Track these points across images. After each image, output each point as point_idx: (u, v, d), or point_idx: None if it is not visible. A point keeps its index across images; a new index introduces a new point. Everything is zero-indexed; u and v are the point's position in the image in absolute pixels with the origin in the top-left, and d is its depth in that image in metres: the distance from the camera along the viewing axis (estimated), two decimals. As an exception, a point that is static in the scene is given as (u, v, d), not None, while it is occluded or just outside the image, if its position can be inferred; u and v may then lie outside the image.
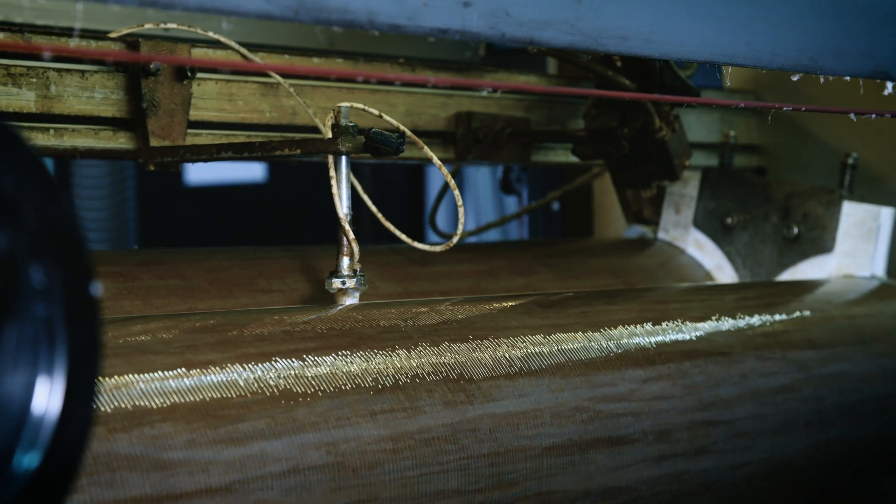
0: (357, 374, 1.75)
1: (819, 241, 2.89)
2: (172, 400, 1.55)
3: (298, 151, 2.11)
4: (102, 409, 1.47)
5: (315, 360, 1.73)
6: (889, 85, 2.10)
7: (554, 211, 3.76)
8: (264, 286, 2.27)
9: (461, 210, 2.17)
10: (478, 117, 2.74)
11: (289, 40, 3.15)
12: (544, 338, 2.01)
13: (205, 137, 2.38)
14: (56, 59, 2.19)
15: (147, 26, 2.34)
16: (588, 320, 2.12)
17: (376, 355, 1.80)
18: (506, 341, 1.96)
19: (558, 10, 1.70)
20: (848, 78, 2.07)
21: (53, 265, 1.10)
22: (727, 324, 2.32)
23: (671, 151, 2.78)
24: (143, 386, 1.54)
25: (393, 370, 1.79)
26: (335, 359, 1.75)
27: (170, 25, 2.37)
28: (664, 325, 2.21)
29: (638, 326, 2.16)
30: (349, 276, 2.08)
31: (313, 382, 1.70)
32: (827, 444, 2.42)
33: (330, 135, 2.06)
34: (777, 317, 2.44)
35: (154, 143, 2.27)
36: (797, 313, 2.50)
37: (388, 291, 2.42)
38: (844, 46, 2.03)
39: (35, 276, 1.10)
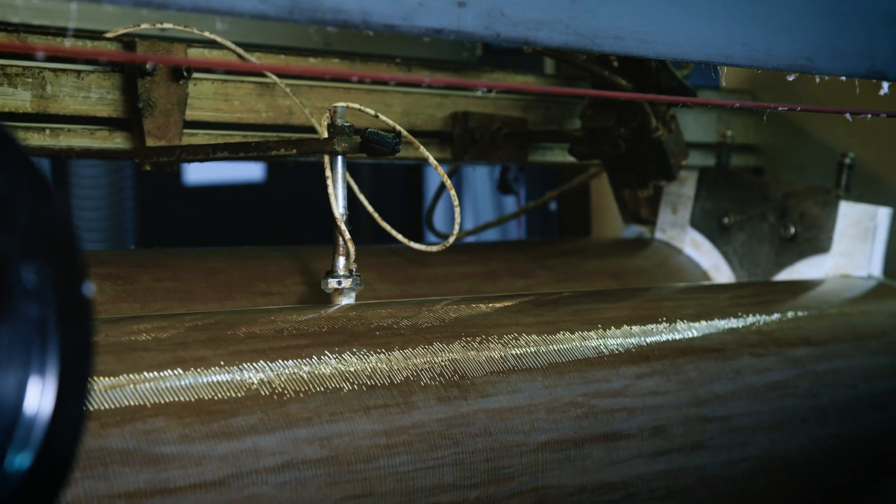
0: (349, 369, 1.75)
1: (816, 240, 2.89)
2: (164, 395, 1.55)
3: (294, 151, 2.11)
4: (94, 404, 1.47)
5: (307, 355, 1.73)
6: (885, 85, 2.10)
7: (551, 211, 3.76)
8: (263, 289, 2.27)
9: (457, 210, 2.17)
10: (474, 117, 2.74)
11: (287, 40, 3.15)
12: (537, 335, 2.02)
13: (201, 137, 2.38)
14: (52, 59, 2.19)
15: (143, 26, 2.34)
16: (580, 318, 2.13)
17: (369, 351, 1.80)
18: (499, 338, 1.97)
19: (553, 10, 1.70)
20: (844, 78, 2.07)
21: (45, 265, 1.10)
22: (721, 320, 2.33)
23: (668, 151, 2.78)
24: (135, 382, 1.54)
25: (386, 365, 1.80)
26: (327, 354, 1.75)
27: (166, 25, 2.37)
28: (657, 321, 2.21)
29: (631, 323, 2.17)
30: (345, 276, 2.08)
31: (305, 378, 1.70)
32: (824, 440, 2.42)
33: (326, 135, 2.06)
34: (771, 313, 2.44)
35: (150, 143, 2.27)
36: (791, 311, 2.51)
37: (386, 294, 2.42)
38: (840, 46, 2.03)
39: (27, 277, 1.10)
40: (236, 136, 2.42)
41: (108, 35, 2.27)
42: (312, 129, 2.42)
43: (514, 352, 1.96)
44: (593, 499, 1.99)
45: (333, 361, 1.75)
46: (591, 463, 1.98)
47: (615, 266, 2.87)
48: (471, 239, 3.47)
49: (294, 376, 1.69)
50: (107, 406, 1.48)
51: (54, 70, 2.19)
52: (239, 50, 2.34)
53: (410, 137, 2.17)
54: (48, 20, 2.82)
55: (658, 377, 2.12)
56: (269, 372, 1.67)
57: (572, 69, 2.95)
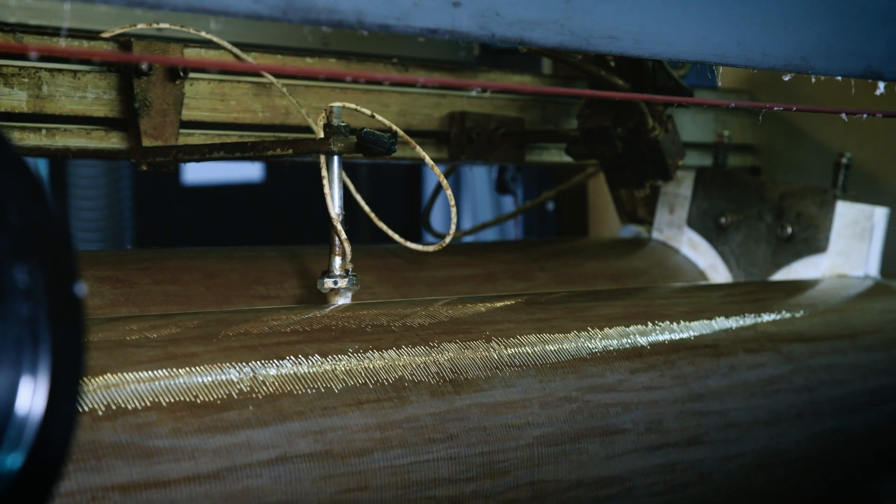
0: (342, 364, 1.76)
1: (813, 240, 2.89)
2: (156, 389, 1.55)
3: (290, 151, 2.11)
4: (86, 398, 1.47)
5: (299, 351, 1.74)
6: (881, 85, 2.10)
7: (548, 211, 3.76)
8: (262, 292, 2.27)
9: (454, 210, 2.17)
10: (471, 117, 2.74)
11: (285, 40, 3.15)
12: (531, 331, 2.02)
13: (197, 137, 2.38)
14: (48, 58, 2.19)
15: (140, 26, 2.34)
16: (573, 315, 2.14)
17: (362, 346, 1.81)
18: (493, 335, 1.97)
19: (548, 10, 1.70)
20: (839, 78, 2.07)
21: (37, 265, 1.10)
22: (714, 316, 2.33)
23: (664, 151, 2.78)
24: (126, 377, 1.54)
25: (379, 361, 1.80)
26: (320, 350, 1.76)
27: (162, 25, 2.37)
28: (650, 318, 2.22)
29: (624, 320, 2.18)
30: (341, 276, 2.09)
31: (298, 373, 1.70)
32: (822, 436, 2.42)
33: (322, 135, 2.06)
34: (765, 310, 2.45)
35: (146, 142, 2.27)
36: (785, 308, 2.51)
37: (384, 297, 2.42)
38: (836, 46, 2.03)
39: (19, 276, 1.10)
40: (233, 136, 2.42)
41: (105, 35, 2.27)
42: (309, 130, 2.42)
43: (507, 347, 1.97)
44: (590, 493, 2.00)
45: (326, 357, 1.76)
46: (586, 457, 1.98)
47: (614, 268, 2.87)
48: (469, 239, 3.47)
49: (286, 371, 1.70)
50: (98, 400, 1.49)
51: (50, 70, 2.19)
52: (235, 50, 2.34)
53: (406, 137, 2.17)
54: (45, 20, 2.82)
55: (652, 372, 2.12)
56: (261, 367, 1.68)
57: (569, 69, 2.95)
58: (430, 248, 2.18)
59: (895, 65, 2.09)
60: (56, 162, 4.45)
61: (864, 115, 2.15)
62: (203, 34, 2.33)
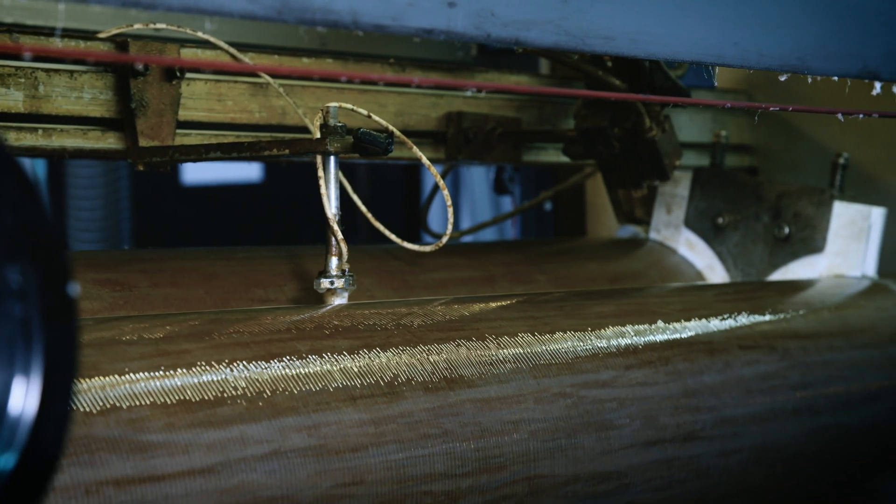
0: (336, 360, 1.76)
1: (810, 240, 2.89)
2: (149, 386, 1.56)
3: (287, 151, 2.11)
4: (79, 394, 1.48)
5: (292, 348, 1.74)
6: (877, 85, 2.10)
7: (546, 211, 3.76)
8: (261, 295, 2.27)
9: (450, 210, 2.17)
10: (468, 117, 2.74)
11: (283, 40, 3.15)
12: (525, 328, 2.03)
13: (194, 137, 2.38)
14: (45, 59, 2.19)
15: (136, 26, 2.34)
16: (566, 312, 2.15)
17: (355, 343, 1.81)
18: (486, 332, 1.98)
19: (544, 10, 1.70)
20: (836, 78, 2.07)
21: (30, 265, 1.10)
22: (708, 314, 2.34)
23: (661, 151, 2.78)
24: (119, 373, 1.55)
25: (374, 357, 1.81)
26: (313, 347, 1.76)
27: (159, 25, 2.37)
28: (643, 315, 2.23)
29: (617, 317, 2.18)
30: (337, 276, 2.09)
31: (291, 369, 1.71)
32: (819, 431, 2.43)
33: (318, 135, 2.06)
34: (760, 308, 2.46)
35: (143, 143, 2.27)
36: (780, 306, 2.52)
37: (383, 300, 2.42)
38: (832, 46, 2.03)
39: (11, 277, 1.10)
40: (229, 137, 2.42)
41: (101, 35, 2.27)
42: (306, 130, 2.42)
43: (501, 344, 1.97)
44: (588, 488, 2.00)
45: (320, 353, 1.76)
46: (583, 452, 1.99)
47: (613, 269, 2.87)
48: (468, 238, 3.47)
49: (279, 366, 1.70)
50: (91, 396, 1.49)
51: (47, 70, 2.19)
52: (232, 50, 2.34)
53: (403, 137, 2.17)
54: (41, 20, 2.82)
55: (646, 368, 2.13)
56: (254, 364, 1.68)
57: (567, 69, 2.95)
58: (427, 249, 2.19)
59: (892, 65, 2.09)
60: (55, 162, 4.45)
61: (861, 116, 2.15)
62: (200, 34, 2.33)
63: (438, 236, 2.86)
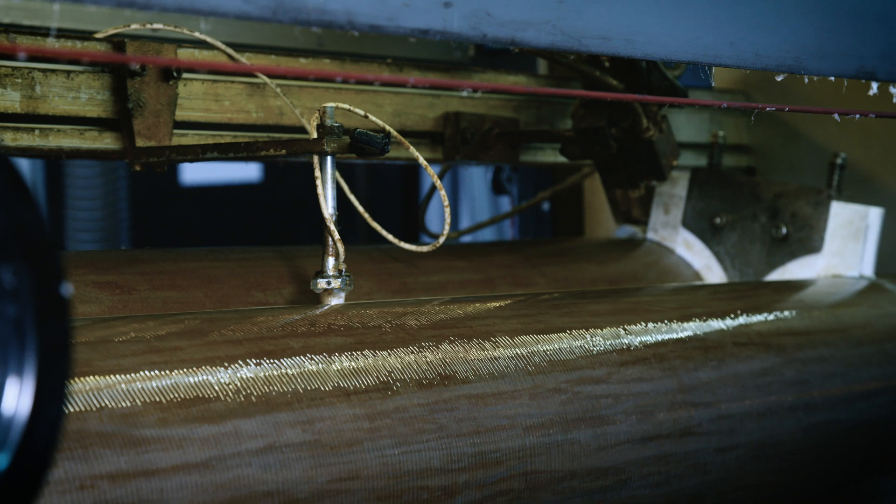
0: (330, 357, 1.76)
1: (807, 241, 2.89)
2: (143, 382, 1.56)
3: (284, 152, 2.11)
4: (73, 390, 1.48)
5: (285, 346, 1.74)
6: (874, 85, 2.10)
7: (544, 211, 3.76)
8: (261, 298, 2.28)
9: (447, 210, 2.18)
10: (465, 117, 2.74)
11: (280, 41, 3.15)
12: (519, 325, 2.04)
13: (191, 138, 2.38)
14: (41, 59, 2.19)
15: (133, 27, 2.34)
16: (560, 310, 2.16)
17: (349, 341, 1.81)
18: (481, 329, 1.99)
19: (540, 10, 1.70)
20: (832, 78, 2.07)
21: (23, 266, 1.10)
22: (702, 312, 2.34)
23: (658, 151, 2.78)
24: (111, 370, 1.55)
25: (369, 354, 1.81)
26: (307, 344, 1.77)
27: (156, 26, 2.36)
28: (638, 314, 2.23)
29: (612, 316, 2.19)
30: (334, 277, 2.09)
31: (285, 366, 1.71)
32: (816, 427, 2.43)
33: (315, 135, 2.06)
34: (755, 306, 2.46)
35: (140, 143, 2.27)
36: (775, 304, 2.52)
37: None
38: (829, 46, 2.03)
39: (5, 277, 1.10)
40: (227, 137, 2.42)
41: (98, 35, 2.27)
42: (303, 130, 2.42)
43: (495, 340, 1.98)
44: (585, 484, 2.01)
45: (314, 350, 1.77)
46: (579, 448, 1.99)
47: (612, 271, 2.87)
48: (466, 238, 3.47)
49: (273, 363, 1.70)
50: (85, 391, 1.49)
51: (44, 70, 2.19)
52: (229, 50, 2.34)
53: (400, 137, 2.17)
54: (38, 20, 2.82)
55: (641, 365, 2.14)
56: (247, 361, 1.69)
57: (564, 69, 2.95)
58: (424, 249, 2.19)
59: (888, 65, 2.09)
60: (53, 162, 4.45)
61: (857, 116, 2.15)
62: (197, 35, 2.33)
63: (436, 236, 2.86)
